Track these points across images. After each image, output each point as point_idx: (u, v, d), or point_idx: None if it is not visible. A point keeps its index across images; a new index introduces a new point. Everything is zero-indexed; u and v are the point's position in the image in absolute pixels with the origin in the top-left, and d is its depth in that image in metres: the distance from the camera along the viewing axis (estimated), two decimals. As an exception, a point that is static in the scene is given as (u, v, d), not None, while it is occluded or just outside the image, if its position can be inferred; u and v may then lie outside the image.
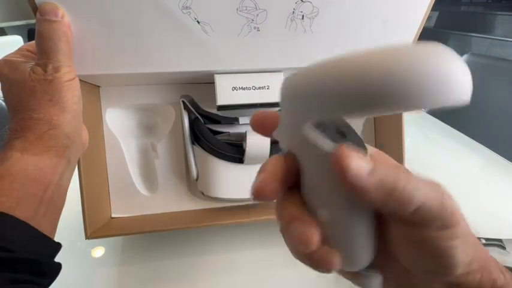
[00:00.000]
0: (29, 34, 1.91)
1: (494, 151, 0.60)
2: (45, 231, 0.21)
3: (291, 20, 0.28)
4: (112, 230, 0.35)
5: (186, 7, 0.25)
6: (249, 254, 0.39)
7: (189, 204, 0.40)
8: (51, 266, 0.21)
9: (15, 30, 2.03)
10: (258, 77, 0.33)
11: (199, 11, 0.26)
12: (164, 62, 0.29)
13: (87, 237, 0.32)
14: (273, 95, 0.33)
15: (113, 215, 0.38)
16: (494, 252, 0.38)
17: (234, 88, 0.32)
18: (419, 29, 0.34)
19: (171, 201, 0.39)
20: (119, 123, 0.37)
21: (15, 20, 2.24)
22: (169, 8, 0.25)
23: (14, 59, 0.23)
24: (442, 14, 2.82)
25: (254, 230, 0.41)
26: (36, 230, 0.20)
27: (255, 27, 0.28)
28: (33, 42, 0.24)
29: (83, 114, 0.26)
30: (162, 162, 0.39)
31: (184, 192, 0.39)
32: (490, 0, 3.28)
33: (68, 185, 0.24)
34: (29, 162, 0.20)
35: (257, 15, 0.27)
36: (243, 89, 0.32)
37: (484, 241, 0.38)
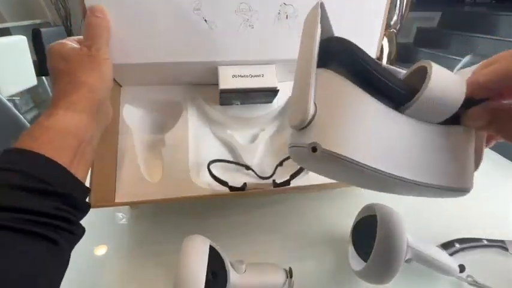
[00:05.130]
0: (33, 34, 1.92)
1: (498, 153, 0.60)
2: (82, 174, 0.25)
3: (278, 19, 0.35)
4: (117, 200, 0.36)
5: (197, 9, 0.33)
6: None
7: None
8: (84, 204, 0.25)
9: (20, 31, 2.05)
10: (254, 67, 0.38)
11: (207, 12, 0.33)
12: (177, 52, 0.35)
13: (92, 206, 0.31)
14: (267, 82, 0.38)
15: (116, 201, 0.37)
16: (496, 254, 0.38)
17: (234, 76, 0.37)
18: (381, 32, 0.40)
19: (175, 189, 0.38)
20: (133, 116, 0.42)
21: (20, 20, 2.26)
22: (183, 9, 0.33)
23: (66, 41, 0.30)
24: (445, 14, 2.81)
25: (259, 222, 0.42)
26: (73, 174, 0.24)
27: (249, 25, 0.35)
28: (77, 37, 0.31)
29: None
30: (168, 152, 0.40)
31: (188, 182, 0.38)
32: (494, 0, 3.27)
33: (95, 145, 0.29)
34: (69, 119, 0.25)
35: (251, 15, 0.34)
36: (242, 76, 0.38)
37: (486, 242, 0.38)
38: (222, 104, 0.43)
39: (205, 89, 0.42)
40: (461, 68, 0.95)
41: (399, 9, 0.72)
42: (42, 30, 1.92)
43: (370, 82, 0.20)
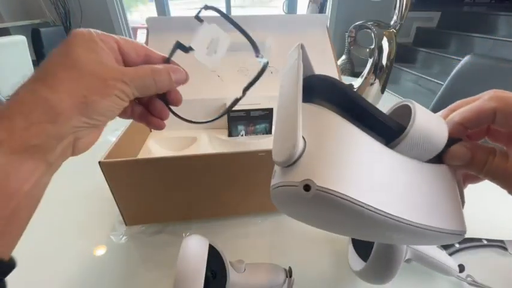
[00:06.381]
0: (33, 34, 1.92)
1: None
2: (3, 248, 0.17)
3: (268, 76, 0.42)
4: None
5: (214, 71, 0.57)
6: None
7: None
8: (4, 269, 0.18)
9: (19, 31, 2.05)
10: (251, 99, 0.50)
11: (220, 72, 0.57)
12: (200, 92, 0.57)
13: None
14: (262, 106, 0.58)
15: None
16: (495, 254, 0.38)
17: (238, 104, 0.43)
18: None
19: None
20: (155, 146, 0.57)
21: (20, 20, 2.26)
22: (207, 72, 0.52)
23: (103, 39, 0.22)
24: (444, 15, 2.81)
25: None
26: None
27: (245, 75, 0.56)
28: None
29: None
30: None
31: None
32: (493, 0, 3.27)
33: (42, 191, 0.19)
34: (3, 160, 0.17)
35: (248, 72, 0.57)
36: (243, 104, 0.47)
37: (486, 242, 0.38)
38: (230, 135, 0.57)
39: (215, 129, 0.61)
40: (460, 68, 0.94)
41: (399, 9, 0.72)
42: (42, 30, 1.92)
43: (359, 117, 0.19)
